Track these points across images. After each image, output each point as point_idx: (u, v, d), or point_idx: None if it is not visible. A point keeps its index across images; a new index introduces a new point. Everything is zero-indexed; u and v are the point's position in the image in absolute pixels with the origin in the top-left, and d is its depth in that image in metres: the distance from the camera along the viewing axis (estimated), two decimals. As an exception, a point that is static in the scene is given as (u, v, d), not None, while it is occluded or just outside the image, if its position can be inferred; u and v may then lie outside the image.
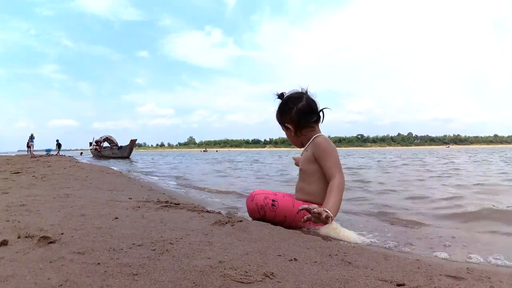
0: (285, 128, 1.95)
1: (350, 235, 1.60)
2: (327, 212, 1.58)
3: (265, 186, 2.15)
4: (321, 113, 1.90)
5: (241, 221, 1.59)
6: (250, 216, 1.82)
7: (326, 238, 1.59)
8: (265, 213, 1.73)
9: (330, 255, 1.14)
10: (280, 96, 1.96)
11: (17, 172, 4.80)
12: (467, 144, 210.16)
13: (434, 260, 1.31)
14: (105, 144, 23.43)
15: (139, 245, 1.09)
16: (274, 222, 1.68)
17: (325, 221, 1.58)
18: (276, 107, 1.98)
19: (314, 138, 1.85)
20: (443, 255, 1.41)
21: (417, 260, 1.20)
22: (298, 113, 1.87)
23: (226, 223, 1.54)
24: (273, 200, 1.73)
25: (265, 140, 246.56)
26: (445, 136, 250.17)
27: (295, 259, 1.05)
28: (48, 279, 0.79)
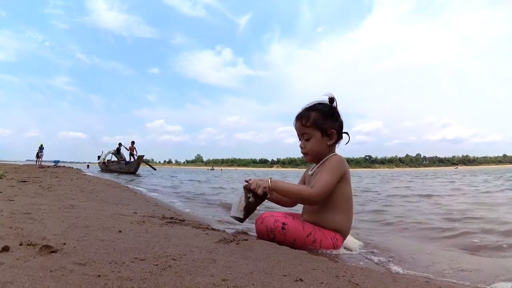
0: (324, 134, 1.83)
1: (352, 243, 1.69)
2: (269, 182, 1.76)
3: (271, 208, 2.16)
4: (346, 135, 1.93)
5: (246, 239, 1.58)
6: (258, 238, 1.81)
7: (333, 258, 1.57)
8: (274, 236, 1.71)
9: (337, 276, 1.12)
10: (331, 100, 1.91)
11: (24, 181, 4.88)
12: (476, 165, 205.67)
13: (445, 283, 1.28)
14: (113, 158, 23.69)
15: (142, 260, 1.10)
16: (282, 245, 1.67)
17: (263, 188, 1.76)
18: (314, 109, 1.86)
19: (332, 155, 1.85)
20: (454, 278, 1.37)
21: (427, 282, 1.18)
22: (341, 124, 1.88)
23: (231, 241, 1.53)
24: (283, 223, 1.72)
25: (272, 160, 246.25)
26: (453, 157, 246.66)
27: (301, 280, 1.04)
28: (47, 288, 0.80)
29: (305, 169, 2.13)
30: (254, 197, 1.81)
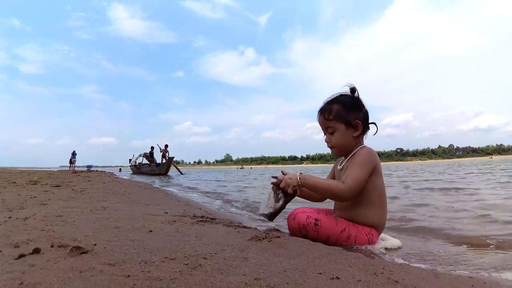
0: (348, 126, 1.75)
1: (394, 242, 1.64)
2: (298, 176, 1.71)
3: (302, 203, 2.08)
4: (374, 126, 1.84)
5: (278, 237, 1.52)
6: (291, 235, 1.75)
7: (369, 255, 1.48)
8: (307, 232, 1.64)
9: (375, 273, 1.03)
10: (352, 90, 1.82)
11: (58, 186, 5.04)
12: (511, 154, 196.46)
13: (489, 278, 1.18)
14: (144, 161, 24.30)
15: (172, 259, 1.06)
16: (316, 242, 1.60)
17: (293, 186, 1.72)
18: (336, 101, 1.79)
19: (360, 148, 1.76)
20: (501, 275, 1.26)
21: (470, 277, 1.09)
22: (366, 114, 1.80)
23: (263, 238, 1.47)
24: (316, 219, 1.64)
25: (302, 156, 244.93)
26: (487, 146, 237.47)
27: (337, 278, 0.97)
28: (76, 289, 0.77)
29: (333, 164, 2.04)
30: (283, 194, 1.76)
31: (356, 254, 1.30)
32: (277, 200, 1.77)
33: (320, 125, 1.86)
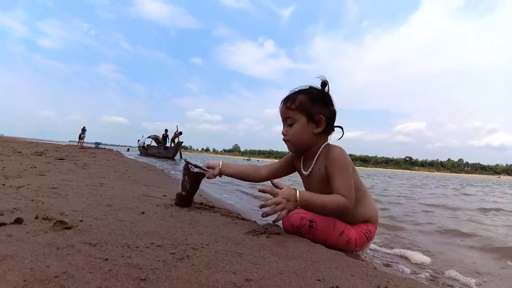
0: (310, 119, 1.60)
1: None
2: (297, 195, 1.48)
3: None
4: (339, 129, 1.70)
5: (278, 233, 1.44)
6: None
7: (372, 263, 1.41)
8: (301, 235, 1.53)
9: (378, 286, 0.93)
10: (323, 84, 1.66)
11: (61, 159, 5.04)
12: None
13: None
14: (152, 142, 24.46)
15: (158, 246, 0.98)
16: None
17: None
18: (302, 92, 1.64)
19: (325, 147, 1.63)
20: None
21: None
22: (333, 114, 1.65)
23: (262, 233, 1.39)
24: (310, 221, 1.54)
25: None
26: (497, 165, 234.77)
27: (337, 287, 0.87)
28: (47, 267, 0.71)
29: (288, 158, 1.87)
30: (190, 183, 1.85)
31: (358, 262, 1.20)
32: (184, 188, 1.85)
33: (280, 115, 1.70)
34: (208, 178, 1.82)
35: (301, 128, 1.61)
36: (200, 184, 1.89)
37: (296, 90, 1.67)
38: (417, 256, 1.73)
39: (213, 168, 1.84)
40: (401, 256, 1.73)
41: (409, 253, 1.77)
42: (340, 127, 1.70)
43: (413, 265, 1.56)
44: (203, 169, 1.82)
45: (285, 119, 1.67)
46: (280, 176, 1.88)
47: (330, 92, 1.67)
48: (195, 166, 1.81)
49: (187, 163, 1.82)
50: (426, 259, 1.70)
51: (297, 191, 1.49)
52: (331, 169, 1.55)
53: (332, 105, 1.65)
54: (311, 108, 1.60)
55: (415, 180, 16.50)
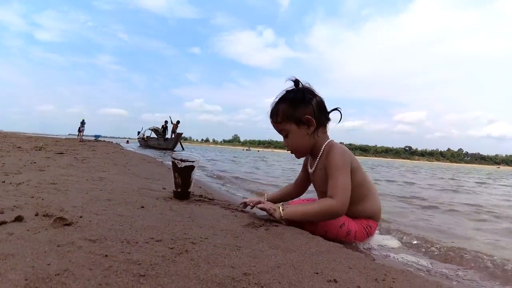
0: (299, 124, 1.61)
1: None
2: (280, 212, 1.54)
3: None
4: (336, 112, 1.67)
5: (276, 225, 1.46)
6: None
7: (370, 255, 1.43)
8: (303, 227, 1.55)
9: (376, 279, 0.95)
10: (296, 83, 1.65)
11: (61, 153, 5.05)
12: None
13: None
14: (152, 134, 24.50)
15: (157, 241, 1.00)
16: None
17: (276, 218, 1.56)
18: (281, 101, 1.65)
19: (327, 145, 1.62)
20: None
21: None
22: (318, 105, 1.62)
23: (260, 226, 1.41)
24: None
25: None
26: (496, 155, 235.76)
27: (335, 281, 0.88)
28: (48, 264, 0.72)
29: (303, 162, 1.91)
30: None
31: (357, 254, 1.21)
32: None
33: (275, 130, 1.72)
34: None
35: (296, 135, 1.64)
36: (194, 175, 1.91)
37: (276, 100, 1.67)
38: (415, 247, 1.77)
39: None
40: (399, 248, 1.75)
41: (407, 243, 1.80)
42: (337, 109, 1.68)
43: (410, 256, 1.57)
44: (189, 161, 1.87)
45: (279, 132, 1.70)
46: (310, 181, 1.88)
47: (310, 83, 1.65)
48: (181, 160, 1.85)
49: (173, 159, 1.87)
50: (423, 250, 1.74)
51: (281, 206, 1.57)
52: (328, 169, 1.56)
53: (315, 96, 1.64)
54: (294, 113, 1.61)
55: (405, 170, 16.46)
